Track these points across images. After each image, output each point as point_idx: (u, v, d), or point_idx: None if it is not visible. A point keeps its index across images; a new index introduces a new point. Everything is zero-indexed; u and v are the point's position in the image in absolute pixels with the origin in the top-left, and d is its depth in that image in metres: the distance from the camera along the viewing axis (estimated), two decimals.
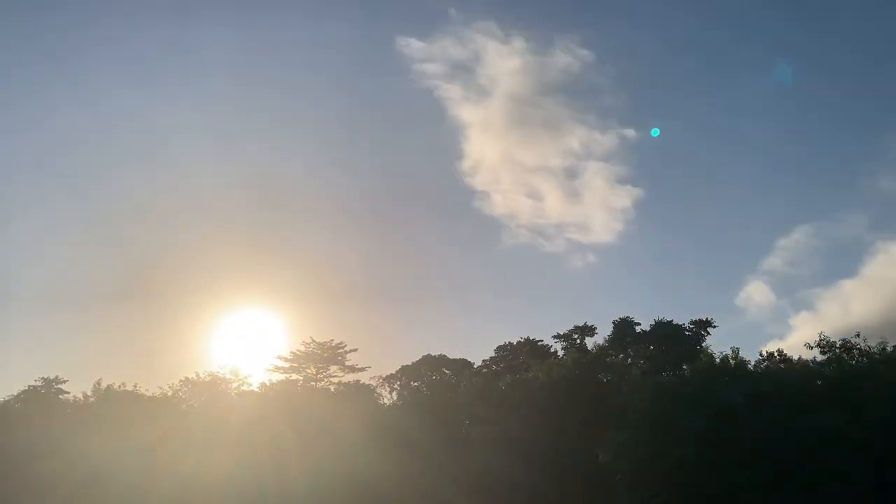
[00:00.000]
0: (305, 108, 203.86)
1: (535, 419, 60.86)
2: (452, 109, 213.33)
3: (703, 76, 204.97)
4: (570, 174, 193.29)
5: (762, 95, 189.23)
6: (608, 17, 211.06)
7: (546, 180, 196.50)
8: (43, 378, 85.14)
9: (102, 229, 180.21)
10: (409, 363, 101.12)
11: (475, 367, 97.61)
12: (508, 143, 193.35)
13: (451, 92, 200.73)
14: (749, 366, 57.20)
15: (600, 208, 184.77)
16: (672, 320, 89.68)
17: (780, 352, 72.97)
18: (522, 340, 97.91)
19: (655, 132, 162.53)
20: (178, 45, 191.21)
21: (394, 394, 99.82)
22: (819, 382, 53.48)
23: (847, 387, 52.54)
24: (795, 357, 70.54)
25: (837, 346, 64.92)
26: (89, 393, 75.66)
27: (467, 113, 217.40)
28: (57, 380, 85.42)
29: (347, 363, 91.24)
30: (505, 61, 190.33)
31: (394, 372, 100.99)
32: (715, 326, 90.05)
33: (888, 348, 60.34)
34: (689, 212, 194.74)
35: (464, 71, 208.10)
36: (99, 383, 75.18)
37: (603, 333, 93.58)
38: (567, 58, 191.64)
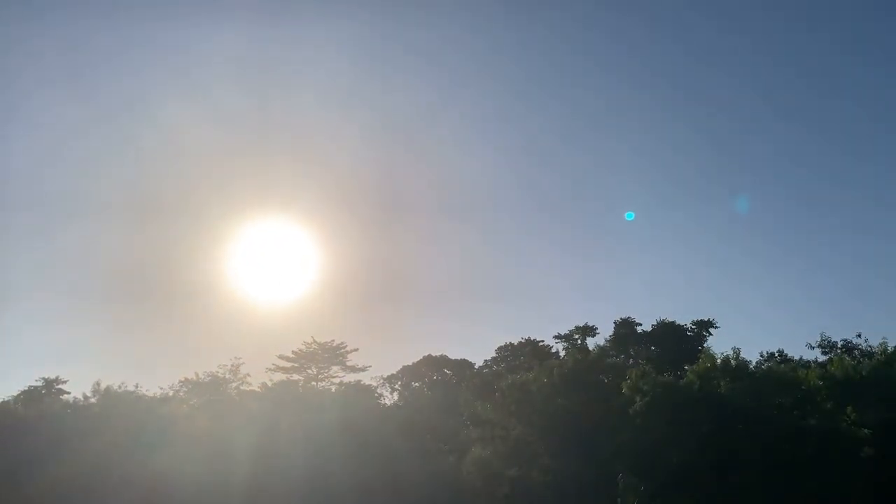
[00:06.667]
0: (310, 106, 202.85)
1: (535, 420, 60.71)
2: None
3: None
4: None
5: None
6: None
7: None
8: (43, 378, 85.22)
9: (98, 229, 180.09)
10: (411, 363, 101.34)
11: (476, 367, 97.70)
12: None
13: None
14: (750, 366, 57.00)
15: None
16: (674, 321, 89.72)
17: (780, 352, 72.91)
18: (523, 341, 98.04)
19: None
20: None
21: (395, 394, 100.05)
22: (821, 383, 53.24)
23: (848, 387, 52.28)
24: (797, 357, 70.49)
25: (839, 346, 64.85)
26: (89, 393, 75.55)
27: None
28: (57, 380, 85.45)
29: (348, 363, 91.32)
30: None
31: (395, 372, 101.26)
32: (717, 327, 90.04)
33: (889, 348, 60.15)
34: None
35: None
36: (98, 384, 75.05)
37: (604, 333, 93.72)
38: None
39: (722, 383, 53.26)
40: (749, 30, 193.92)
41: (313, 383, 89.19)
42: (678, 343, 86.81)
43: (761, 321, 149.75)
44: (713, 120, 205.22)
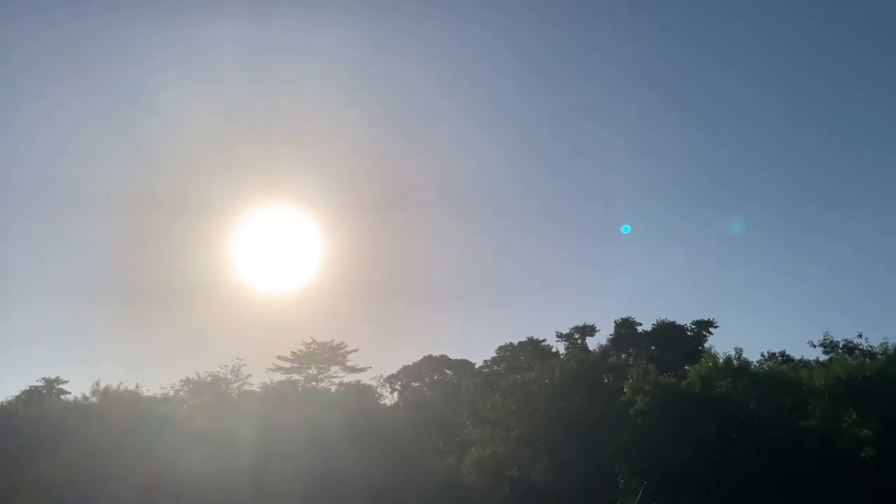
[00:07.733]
0: (312, 103, 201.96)
1: (536, 420, 60.65)
2: None
3: None
4: None
5: None
6: None
7: None
8: (43, 378, 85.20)
9: (98, 226, 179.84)
10: (411, 363, 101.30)
11: (477, 367, 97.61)
12: None
13: None
14: (752, 367, 56.89)
15: None
16: (674, 321, 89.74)
17: (782, 353, 72.84)
18: (524, 340, 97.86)
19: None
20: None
21: (395, 394, 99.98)
22: (822, 383, 53.13)
23: (850, 387, 52.20)
24: (798, 357, 70.44)
25: (840, 345, 64.78)
26: (89, 393, 75.46)
27: None
28: (58, 380, 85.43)
29: (348, 363, 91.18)
30: None
31: (395, 372, 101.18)
32: (717, 326, 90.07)
33: (891, 348, 60.06)
34: None
35: None
36: (98, 384, 74.99)
37: (604, 333, 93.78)
38: None
39: (723, 384, 53.16)
40: (761, 26, 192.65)
41: (313, 384, 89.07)
42: (678, 343, 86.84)
43: (762, 321, 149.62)
44: (717, 118, 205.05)
